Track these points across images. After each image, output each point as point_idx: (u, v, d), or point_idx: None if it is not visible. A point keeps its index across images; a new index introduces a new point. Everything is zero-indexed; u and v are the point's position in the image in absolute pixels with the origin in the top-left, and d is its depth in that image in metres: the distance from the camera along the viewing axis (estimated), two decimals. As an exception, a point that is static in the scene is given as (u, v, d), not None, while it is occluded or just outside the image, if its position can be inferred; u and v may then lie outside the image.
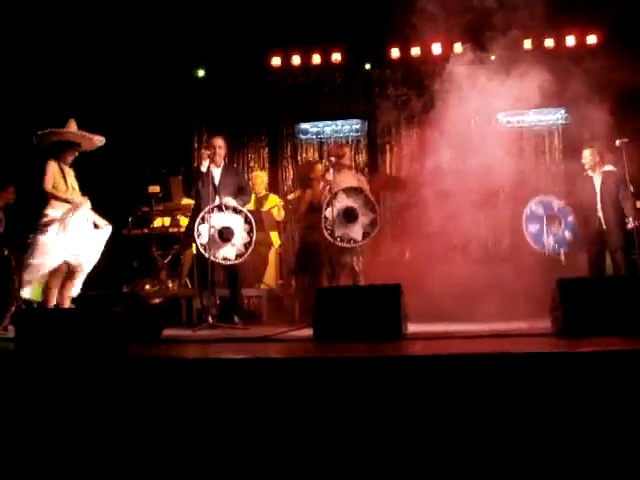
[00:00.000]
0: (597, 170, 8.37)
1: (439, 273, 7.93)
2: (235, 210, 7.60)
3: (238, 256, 7.55)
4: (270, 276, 9.51)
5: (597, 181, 8.34)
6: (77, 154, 7.10)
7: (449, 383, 3.85)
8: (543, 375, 3.77)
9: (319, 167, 8.94)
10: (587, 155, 8.45)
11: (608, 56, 9.16)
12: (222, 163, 7.92)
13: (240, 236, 7.57)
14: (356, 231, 7.86)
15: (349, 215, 7.81)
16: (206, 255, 7.36)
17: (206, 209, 7.42)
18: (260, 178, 9.82)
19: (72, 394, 4.06)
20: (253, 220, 7.62)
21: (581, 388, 3.72)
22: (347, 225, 7.82)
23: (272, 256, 9.59)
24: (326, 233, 7.80)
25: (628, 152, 7.69)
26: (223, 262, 7.53)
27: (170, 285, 9.57)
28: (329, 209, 7.74)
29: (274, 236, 9.60)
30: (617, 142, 7.82)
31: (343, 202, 7.86)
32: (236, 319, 7.63)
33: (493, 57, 9.37)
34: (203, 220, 7.45)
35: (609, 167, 8.31)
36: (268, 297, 9.28)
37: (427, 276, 8.08)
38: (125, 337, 4.73)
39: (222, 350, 5.19)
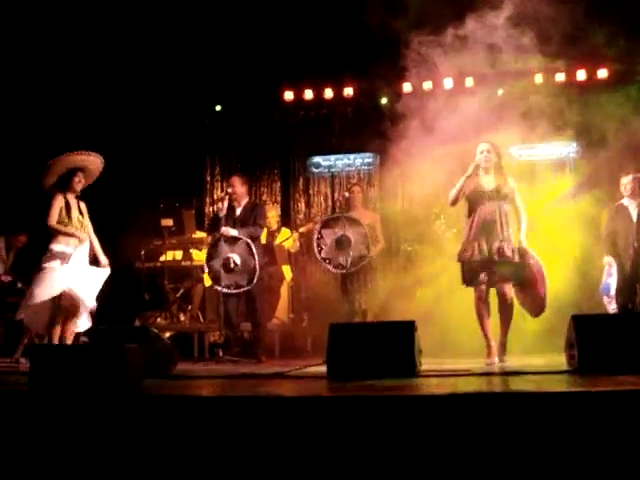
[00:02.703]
0: (635, 199, 8.19)
1: (452, 306, 7.90)
2: (235, 239, 7.73)
3: (243, 285, 7.74)
4: (282, 310, 9.51)
5: (633, 210, 8.16)
6: (83, 181, 7.06)
7: (464, 422, 3.83)
8: (558, 414, 3.74)
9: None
10: (627, 182, 8.22)
11: (617, 90, 9.23)
12: (244, 200, 8.13)
13: (245, 264, 7.76)
14: (344, 259, 8.10)
15: (342, 243, 8.07)
16: (217, 287, 7.51)
17: (210, 244, 7.89)
18: (271, 212, 9.84)
19: (85, 432, 4.05)
20: (254, 247, 7.74)
21: (596, 428, 3.68)
22: (338, 251, 8.10)
23: (284, 290, 9.59)
24: (316, 250, 8.16)
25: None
26: (233, 291, 7.64)
27: (182, 318, 9.59)
28: (329, 230, 8.16)
29: (286, 270, 9.61)
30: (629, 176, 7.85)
31: (342, 230, 8.16)
32: (256, 354, 7.73)
33: (501, 91, 9.41)
34: (211, 257, 7.60)
35: None
36: (281, 331, 9.27)
37: (440, 309, 8.08)
38: (139, 374, 4.73)
39: (234, 387, 5.17)
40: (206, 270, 7.89)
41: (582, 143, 10.15)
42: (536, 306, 6.77)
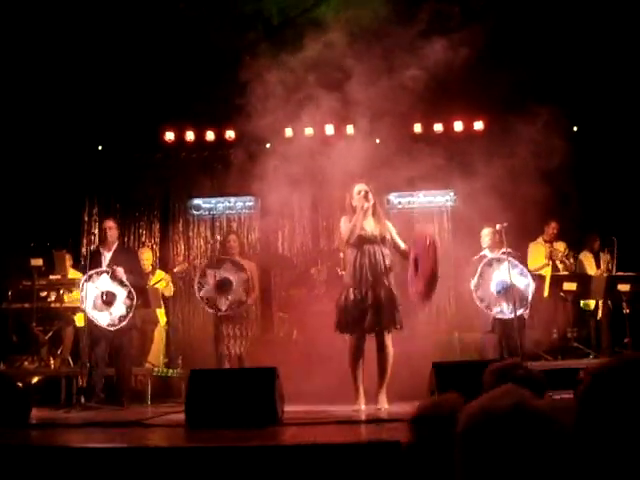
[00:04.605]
0: (496, 251, 8.34)
1: (327, 352, 7.84)
2: (121, 283, 7.58)
3: (110, 325, 7.63)
4: (155, 354, 9.27)
5: (499, 256, 8.25)
6: None
7: (317, 472, 3.77)
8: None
9: None
10: (486, 234, 8.41)
11: (493, 141, 9.50)
12: (115, 244, 7.98)
13: (119, 307, 7.65)
14: (223, 302, 8.16)
15: (224, 285, 8.15)
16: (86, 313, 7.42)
17: (95, 271, 7.66)
18: (146, 254, 9.63)
19: None
20: (136, 298, 7.60)
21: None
22: (218, 293, 8.16)
23: (157, 334, 9.36)
24: (196, 288, 8.26)
25: (508, 236, 7.90)
26: (100, 325, 7.61)
27: (52, 362, 9.22)
28: (212, 270, 8.22)
29: (160, 313, 9.39)
30: (497, 226, 8.01)
31: (226, 272, 8.19)
32: (120, 399, 7.50)
33: (378, 140, 9.56)
34: (90, 278, 7.58)
35: (507, 249, 8.32)
36: (153, 376, 9.02)
37: (314, 355, 8.04)
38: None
39: (87, 437, 4.96)
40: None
41: (459, 192, 10.36)
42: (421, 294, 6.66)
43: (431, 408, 2.76)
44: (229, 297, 8.11)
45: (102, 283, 7.67)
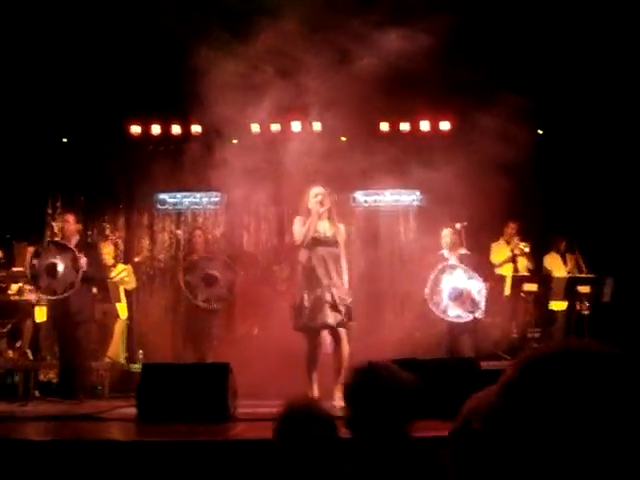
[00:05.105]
0: (454, 252, 8.38)
1: (287, 349, 7.84)
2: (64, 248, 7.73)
3: (62, 291, 7.64)
4: (116, 349, 9.20)
5: (452, 263, 8.34)
6: None
7: (265, 468, 3.76)
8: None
9: None
10: (446, 234, 8.44)
11: (459, 141, 9.55)
12: (75, 238, 7.97)
13: (64, 275, 7.69)
14: (203, 293, 8.35)
15: (209, 279, 8.27)
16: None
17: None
18: (107, 248, 9.56)
19: None
20: (96, 292, 7.61)
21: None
22: (202, 284, 8.31)
23: (118, 328, 9.29)
24: (190, 296, 8.36)
25: (468, 235, 7.96)
26: (50, 297, 7.71)
27: (10, 355, 9.13)
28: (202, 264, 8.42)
29: (121, 307, 9.32)
30: (457, 225, 8.07)
31: (214, 270, 8.42)
32: (76, 393, 7.43)
33: (344, 138, 9.57)
34: (38, 254, 7.71)
35: (464, 251, 8.39)
36: (113, 370, 8.96)
37: (275, 352, 8.02)
38: None
39: (38, 430, 4.92)
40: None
41: (425, 192, 10.39)
42: None
43: (292, 408, 2.83)
44: (210, 291, 8.17)
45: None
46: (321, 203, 6.93)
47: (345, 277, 6.95)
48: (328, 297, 6.69)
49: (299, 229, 6.98)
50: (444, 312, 7.93)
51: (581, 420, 0.99)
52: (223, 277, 8.31)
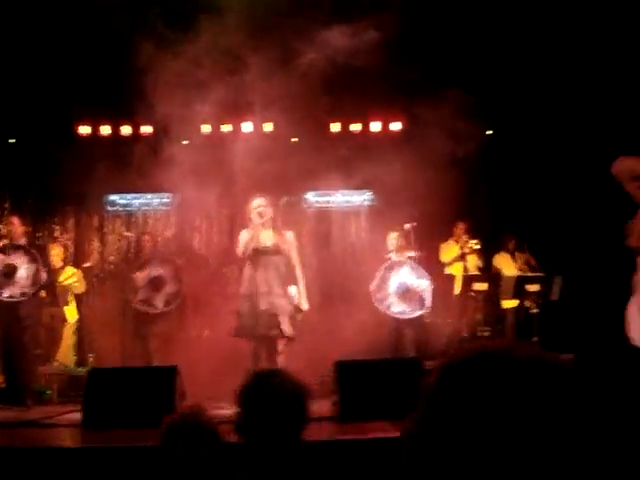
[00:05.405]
0: (401, 255, 8.43)
1: (236, 352, 7.83)
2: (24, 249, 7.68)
3: (22, 295, 7.55)
4: (65, 353, 9.08)
5: (399, 259, 8.39)
6: None
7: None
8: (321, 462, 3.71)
9: None
10: (393, 238, 8.51)
11: (410, 142, 9.58)
12: (22, 242, 8.04)
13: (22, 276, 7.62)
14: (160, 299, 8.26)
15: (156, 283, 8.22)
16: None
17: None
18: (55, 250, 9.43)
19: None
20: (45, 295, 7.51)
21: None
22: (152, 291, 8.26)
23: (67, 331, 9.17)
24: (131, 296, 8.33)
25: (418, 235, 8.03)
26: (7, 299, 7.50)
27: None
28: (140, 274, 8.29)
29: (69, 311, 9.19)
30: (407, 225, 8.12)
31: (154, 271, 8.32)
32: (23, 399, 7.32)
33: (295, 139, 9.57)
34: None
35: (412, 253, 8.44)
36: (61, 375, 8.84)
37: (224, 355, 7.99)
38: None
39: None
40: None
41: (376, 192, 10.43)
42: None
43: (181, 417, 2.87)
44: (164, 292, 8.12)
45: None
46: (260, 215, 7.11)
47: (301, 286, 7.07)
48: (264, 306, 6.85)
49: (241, 241, 7.20)
50: (388, 308, 8.04)
51: (494, 423, 1.00)
52: (166, 272, 8.25)
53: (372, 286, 8.04)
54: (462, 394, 1.04)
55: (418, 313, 8.03)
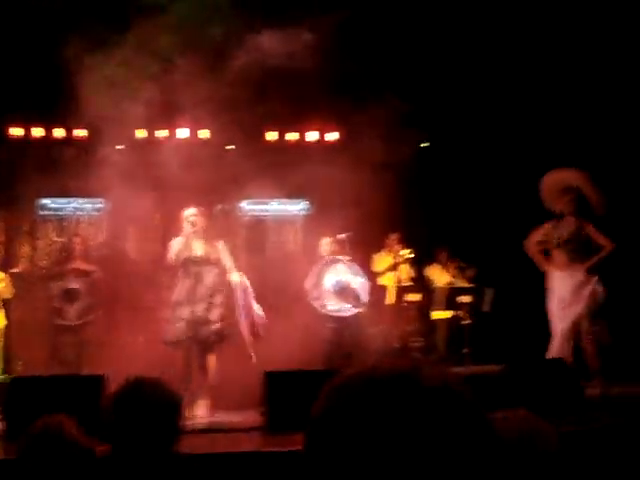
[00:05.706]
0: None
1: (171, 359, 7.76)
2: None
3: None
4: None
5: (334, 257, 8.42)
6: None
7: None
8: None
9: None
10: (325, 243, 8.57)
11: (346, 152, 9.62)
12: None
13: None
14: (73, 312, 8.23)
15: (70, 295, 8.20)
16: None
17: None
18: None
19: None
20: None
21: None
22: (67, 303, 8.24)
23: (-6, 338, 8.94)
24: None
25: (351, 245, 8.07)
26: None
27: None
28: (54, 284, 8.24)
29: (-2, 316, 8.98)
30: (342, 235, 8.17)
31: (70, 283, 8.22)
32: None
33: (230, 147, 9.54)
34: None
35: (346, 258, 8.47)
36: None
37: (158, 360, 7.91)
38: None
39: None
40: None
41: (312, 201, 10.45)
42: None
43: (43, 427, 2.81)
44: (77, 306, 8.02)
45: None
46: (192, 224, 7.18)
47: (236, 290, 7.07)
48: (194, 314, 6.91)
49: (172, 249, 7.28)
50: (323, 306, 8.07)
51: (376, 445, 1.00)
52: (83, 285, 8.18)
53: (307, 284, 8.08)
54: (341, 416, 1.04)
55: (355, 311, 8.07)
